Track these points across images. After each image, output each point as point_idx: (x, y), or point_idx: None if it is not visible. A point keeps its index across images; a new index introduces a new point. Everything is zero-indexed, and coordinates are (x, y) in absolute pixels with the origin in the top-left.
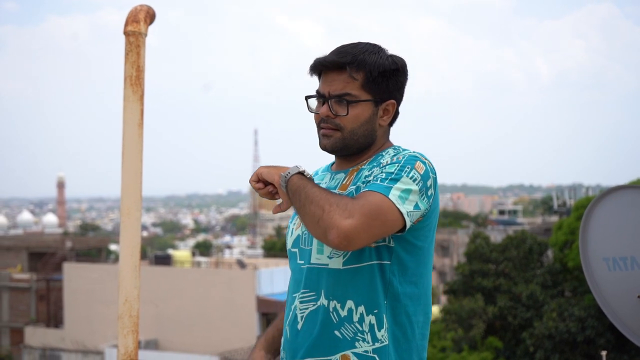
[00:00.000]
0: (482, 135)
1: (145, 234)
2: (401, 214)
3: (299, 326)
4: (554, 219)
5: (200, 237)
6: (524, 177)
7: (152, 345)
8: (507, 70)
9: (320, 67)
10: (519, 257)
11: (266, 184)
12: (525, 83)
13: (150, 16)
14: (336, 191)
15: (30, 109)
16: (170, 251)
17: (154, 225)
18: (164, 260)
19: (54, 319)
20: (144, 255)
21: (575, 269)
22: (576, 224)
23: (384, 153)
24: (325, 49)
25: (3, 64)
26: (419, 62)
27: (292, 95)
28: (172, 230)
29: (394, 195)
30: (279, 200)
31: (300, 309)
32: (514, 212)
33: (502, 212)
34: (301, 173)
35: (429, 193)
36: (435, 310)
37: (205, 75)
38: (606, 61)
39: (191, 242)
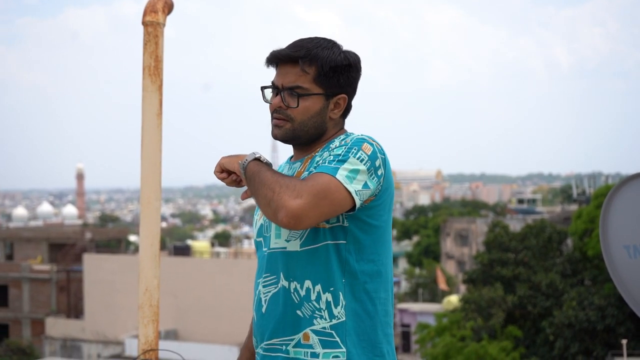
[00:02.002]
0: (501, 124)
1: (164, 224)
2: (349, 192)
3: (264, 309)
4: (574, 207)
5: (219, 228)
6: (543, 165)
7: (172, 335)
8: (526, 58)
9: (275, 60)
10: (538, 246)
11: (230, 173)
12: (544, 71)
13: (168, 6)
14: None
15: (50, 101)
16: (189, 242)
17: (173, 216)
18: (183, 250)
19: (75, 310)
20: (163, 246)
21: (595, 257)
22: (596, 213)
23: (335, 139)
24: (343, 40)
25: (23, 56)
26: (437, 51)
27: None
28: (191, 221)
29: (341, 175)
30: (245, 187)
31: (264, 293)
32: (533, 201)
33: (521, 201)
34: (257, 159)
35: (379, 173)
36: (454, 299)
37: (223, 66)
38: (626, 48)
39: (210, 232)
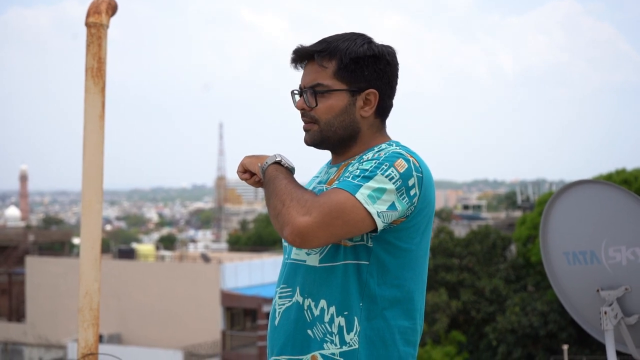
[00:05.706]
0: (447, 130)
1: (109, 227)
2: (369, 214)
3: (276, 322)
4: (518, 214)
5: (165, 231)
6: (489, 172)
7: (115, 339)
8: (472, 65)
9: (295, 59)
10: (483, 252)
11: (252, 174)
12: (490, 78)
13: (112, 7)
14: (323, 186)
15: None
16: (134, 245)
17: (118, 218)
18: (128, 254)
19: (16, 313)
20: (107, 249)
21: (538, 263)
22: (539, 219)
23: (375, 148)
24: (289, 44)
25: None
26: None
27: (256, 88)
28: (136, 224)
29: (362, 194)
30: None
31: (279, 305)
32: (478, 207)
33: (466, 207)
34: (278, 163)
35: (411, 193)
36: None
37: (169, 68)
38: (569, 57)
39: (155, 236)
